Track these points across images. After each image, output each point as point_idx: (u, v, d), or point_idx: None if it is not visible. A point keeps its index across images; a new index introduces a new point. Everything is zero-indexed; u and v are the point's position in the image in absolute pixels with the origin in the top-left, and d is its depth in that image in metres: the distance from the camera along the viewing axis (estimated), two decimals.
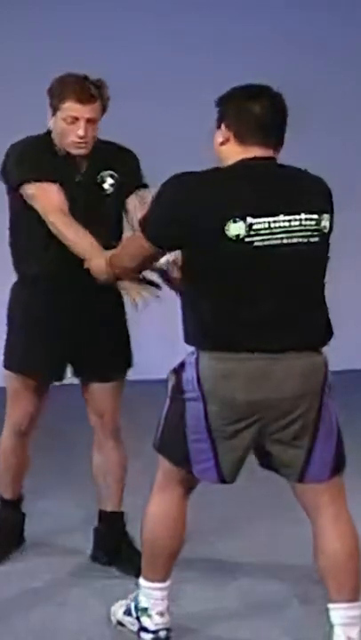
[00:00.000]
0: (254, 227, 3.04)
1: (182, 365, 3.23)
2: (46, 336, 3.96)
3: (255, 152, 3.15)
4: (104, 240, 3.83)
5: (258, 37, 7.48)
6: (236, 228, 3.03)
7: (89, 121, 3.77)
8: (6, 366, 4.05)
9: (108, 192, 3.91)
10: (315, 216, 3.13)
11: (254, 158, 3.14)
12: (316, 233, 3.14)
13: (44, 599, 3.84)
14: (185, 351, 3.29)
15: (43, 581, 3.98)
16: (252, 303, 3.10)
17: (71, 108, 3.76)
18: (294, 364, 3.15)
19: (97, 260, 3.59)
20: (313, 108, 7.56)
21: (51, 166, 3.81)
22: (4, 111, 6.75)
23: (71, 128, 3.77)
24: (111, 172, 3.90)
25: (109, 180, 3.91)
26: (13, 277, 4.06)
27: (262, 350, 3.11)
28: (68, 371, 4.07)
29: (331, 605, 3.27)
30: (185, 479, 3.35)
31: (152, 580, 3.45)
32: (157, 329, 6.79)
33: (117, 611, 3.60)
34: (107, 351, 4.00)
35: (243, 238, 3.04)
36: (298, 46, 7.54)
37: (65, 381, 4.10)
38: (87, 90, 3.76)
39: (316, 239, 3.14)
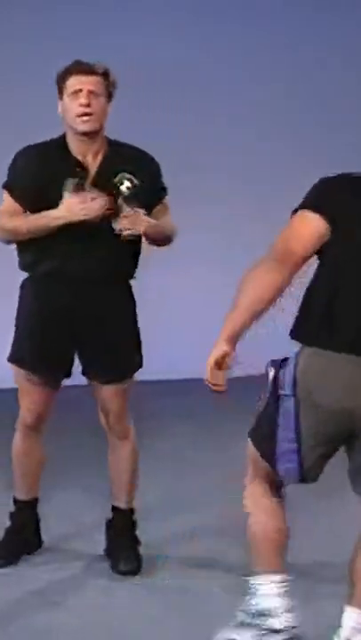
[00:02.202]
0: None
1: (285, 360, 3.15)
2: (52, 332, 3.97)
3: None
4: (121, 245, 3.88)
5: (258, 37, 7.49)
6: None
7: (92, 93, 3.84)
8: (12, 360, 4.06)
9: (125, 194, 3.90)
10: None
11: None
12: None
13: (44, 600, 3.83)
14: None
15: (44, 582, 3.98)
16: None
17: (73, 81, 3.86)
18: None
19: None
20: (313, 107, 7.58)
21: (36, 175, 3.87)
22: (5, 111, 6.75)
23: (75, 102, 3.85)
24: (129, 176, 3.90)
25: (127, 183, 3.90)
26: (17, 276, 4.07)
27: None
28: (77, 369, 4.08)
29: (349, 607, 3.24)
30: (270, 473, 3.26)
31: (265, 572, 3.30)
32: (157, 330, 6.81)
33: (230, 633, 3.37)
34: (111, 354, 4.01)
35: None
36: (298, 45, 7.54)
37: (76, 381, 4.09)
38: (88, 64, 3.88)
39: None
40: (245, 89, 7.46)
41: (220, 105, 7.40)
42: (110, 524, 4.18)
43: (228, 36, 7.45)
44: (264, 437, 3.22)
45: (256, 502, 3.32)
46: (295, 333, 3.13)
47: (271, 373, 3.17)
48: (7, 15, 7.00)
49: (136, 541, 4.13)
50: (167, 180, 4.06)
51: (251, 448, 3.31)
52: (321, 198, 3.05)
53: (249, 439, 3.31)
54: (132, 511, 4.17)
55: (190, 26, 7.38)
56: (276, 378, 3.15)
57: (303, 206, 3.06)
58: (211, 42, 7.43)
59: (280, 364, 3.15)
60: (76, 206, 3.80)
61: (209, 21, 7.43)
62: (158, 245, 4.03)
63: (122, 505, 4.15)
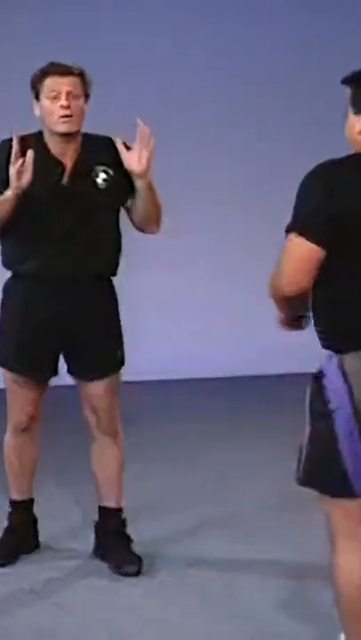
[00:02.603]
0: None
1: (320, 373, 2.88)
2: (41, 335, 3.98)
3: None
4: (101, 240, 3.92)
5: (257, 37, 7.48)
6: None
7: (70, 94, 3.85)
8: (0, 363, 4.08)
9: (102, 187, 3.92)
10: None
11: None
12: None
13: (41, 600, 3.82)
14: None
15: (40, 582, 3.96)
16: None
17: (51, 82, 3.86)
18: None
19: None
20: (312, 106, 7.56)
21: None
22: (4, 111, 6.73)
23: (54, 103, 3.85)
24: (105, 168, 3.93)
25: (102, 175, 3.93)
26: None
27: None
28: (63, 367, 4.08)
29: None
30: (346, 511, 2.87)
31: None
32: (157, 330, 6.81)
33: None
34: (97, 349, 4.01)
35: None
36: (298, 44, 7.53)
37: (66, 381, 4.10)
38: (65, 66, 3.89)
39: None
40: (245, 89, 7.45)
41: (220, 105, 7.38)
42: (101, 526, 4.16)
43: (228, 36, 7.44)
44: (327, 468, 2.85)
45: (345, 566, 2.87)
46: (329, 342, 2.90)
47: (309, 395, 2.91)
48: (7, 15, 7.00)
49: (130, 540, 4.12)
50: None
51: (320, 500, 2.93)
52: (315, 218, 2.80)
53: (306, 486, 2.92)
54: (121, 510, 4.16)
55: (190, 26, 7.38)
56: (319, 395, 2.87)
57: (299, 229, 2.81)
58: (211, 42, 7.42)
59: (317, 380, 2.88)
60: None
61: (209, 21, 7.42)
62: (147, 221, 3.98)
63: (113, 505, 4.13)
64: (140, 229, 4.05)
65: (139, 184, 3.90)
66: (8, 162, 3.82)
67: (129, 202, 3.98)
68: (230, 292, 7.33)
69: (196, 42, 7.37)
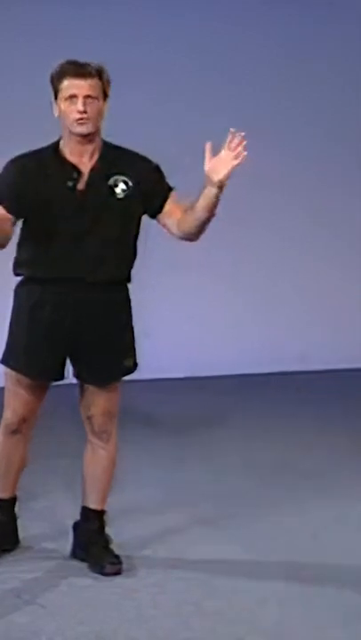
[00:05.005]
0: None
1: None
2: (49, 338, 3.98)
3: None
4: (113, 248, 3.90)
5: (258, 38, 7.50)
6: None
7: (88, 97, 3.82)
8: (5, 362, 4.07)
9: (120, 196, 3.91)
10: None
11: None
12: None
13: (24, 600, 3.79)
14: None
15: (22, 583, 3.93)
16: None
17: (69, 85, 3.83)
18: None
19: None
20: (311, 103, 7.57)
21: (29, 182, 3.85)
22: (3, 111, 6.77)
23: (71, 105, 3.83)
24: (125, 179, 3.91)
25: (122, 186, 3.90)
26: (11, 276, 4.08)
27: None
28: (70, 370, 4.08)
29: None
30: None
31: None
32: (163, 328, 6.82)
33: None
34: (102, 355, 4.00)
35: None
36: (296, 46, 7.55)
37: (62, 381, 4.10)
38: (83, 66, 3.85)
39: None
40: (248, 98, 7.44)
41: (226, 114, 7.35)
42: (82, 526, 4.16)
43: (230, 37, 7.44)
44: None
45: None
46: None
47: None
48: (6, 13, 6.99)
49: (109, 540, 4.12)
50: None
51: None
52: None
53: None
54: (104, 512, 4.15)
55: (191, 27, 7.38)
56: None
57: None
58: (211, 41, 7.41)
59: None
60: None
61: (209, 20, 7.42)
62: (199, 230, 3.92)
63: (97, 507, 4.13)
64: (184, 239, 3.99)
65: (210, 192, 3.80)
66: (20, 179, 3.83)
67: (163, 219, 3.95)
68: (224, 299, 7.36)
69: (198, 41, 7.37)
